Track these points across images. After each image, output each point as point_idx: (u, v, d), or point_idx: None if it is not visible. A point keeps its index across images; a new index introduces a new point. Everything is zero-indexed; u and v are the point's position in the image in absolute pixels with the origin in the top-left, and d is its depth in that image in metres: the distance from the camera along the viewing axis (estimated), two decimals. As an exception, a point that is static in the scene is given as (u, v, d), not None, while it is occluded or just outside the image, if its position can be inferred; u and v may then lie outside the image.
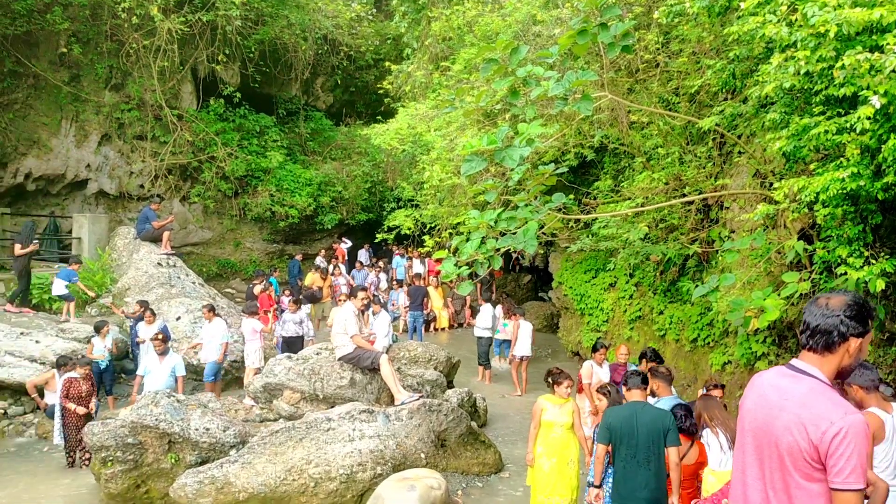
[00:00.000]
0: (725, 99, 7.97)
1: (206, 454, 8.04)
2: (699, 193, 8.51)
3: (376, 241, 20.55)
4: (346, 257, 23.12)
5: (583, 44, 6.44)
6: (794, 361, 2.79)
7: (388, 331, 12.95)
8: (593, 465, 6.07)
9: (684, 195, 8.84)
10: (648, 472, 5.59)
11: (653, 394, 7.38)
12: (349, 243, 23.60)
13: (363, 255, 24.06)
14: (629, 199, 9.46)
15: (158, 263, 16.29)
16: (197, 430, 8.12)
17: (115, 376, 12.23)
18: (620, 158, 11.49)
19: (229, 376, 13.07)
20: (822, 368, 2.69)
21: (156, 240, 17.19)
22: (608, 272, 12.51)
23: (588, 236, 10.75)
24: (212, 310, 12.15)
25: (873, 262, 5.84)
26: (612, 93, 8.53)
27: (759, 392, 2.86)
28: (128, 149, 19.66)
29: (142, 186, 19.91)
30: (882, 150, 5.21)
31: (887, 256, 5.83)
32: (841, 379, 2.76)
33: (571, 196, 9.20)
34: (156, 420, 7.98)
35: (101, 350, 11.60)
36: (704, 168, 8.89)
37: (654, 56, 8.74)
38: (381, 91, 21.33)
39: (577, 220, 10.98)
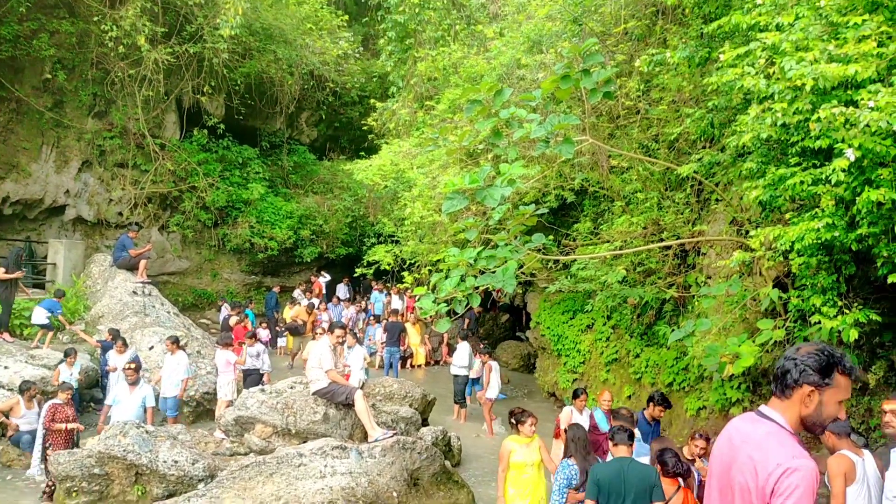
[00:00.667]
0: (704, 147, 8.13)
1: (174, 487, 7.87)
2: (677, 238, 8.61)
3: (355, 275, 20.52)
4: (324, 291, 23.02)
5: (565, 88, 6.56)
6: (762, 407, 2.80)
7: (363, 365, 12.86)
8: None
9: (662, 240, 8.95)
10: None
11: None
12: (328, 277, 23.53)
13: (342, 289, 23.98)
14: (608, 241, 9.56)
15: (134, 292, 16.11)
16: (165, 462, 7.96)
17: (82, 405, 11.98)
18: (600, 201, 11.64)
19: (201, 408, 12.86)
20: (785, 414, 2.68)
21: (132, 268, 17.01)
22: (586, 314, 12.56)
23: (567, 277, 10.82)
24: (176, 342, 11.93)
25: (846, 311, 5.92)
26: (593, 137, 8.66)
27: (726, 436, 2.88)
28: (108, 176, 19.55)
29: (120, 214, 19.76)
30: (856, 201, 5.33)
31: (860, 307, 5.92)
32: (811, 432, 2.74)
33: (551, 237, 9.30)
34: (123, 451, 7.81)
35: (66, 377, 11.38)
36: (682, 214, 9.03)
37: (634, 103, 8.91)
38: (365, 127, 21.51)
39: (557, 261, 11.06)
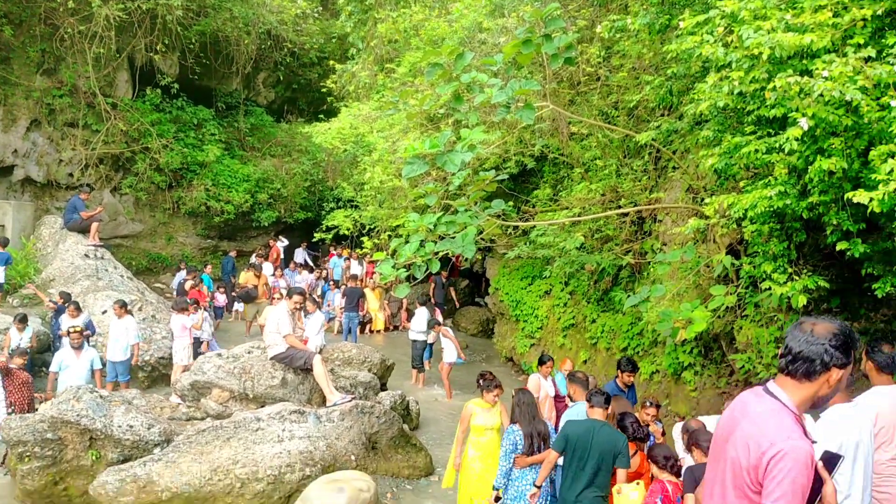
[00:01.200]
0: (662, 115, 8.18)
1: (129, 452, 7.80)
2: (634, 206, 8.70)
3: (314, 240, 20.36)
4: (282, 256, 22.81)
5: (527, 53, 6.53)
6: (769, 383, 2.74)
7: (321, 331, 12.83)
8: (541, 466, 6.30)
9: (620, 207, 9.03)
10: (593, 485, 5.90)
11: (570, 398, 7.57)
12: (286, 242, 23.29)
13: (300, 254, 23.78)
14: (567, 208, 9.61)
15: (85, 255, 15.75)
16: (120, 426, 7.88)
17: (34, 370, 11.74)
18: (560, 168, 11.67)
19: (156, 373, 12.72)
20: (794, 394, 2.63)
21: (84, 230, 16.62)
22: (544, 280, 12.67)
23: (526, 244, 10.87)
24: (123, 306, 11.72)
25: (796, 278, 6.06)
26: (553, 103, 8.66)
27: (730, 407, 2.86)
28: (58, 136, 18.95)
29: (71, 175, 19.22)
30: (808, 170, 5.42)
31: (809, 274, 6.07)
32: (815, 408, 2.71)
33: (511, 203, 9.31)
34: (77, 416, 7.70)
35: (17, 342, 11.14)
36: (640, 181, 9.11)
37: (595, 69, 8.91)
38: (324, 89, 21.14)
39: (516, 227, 11.10)
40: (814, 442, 2.61)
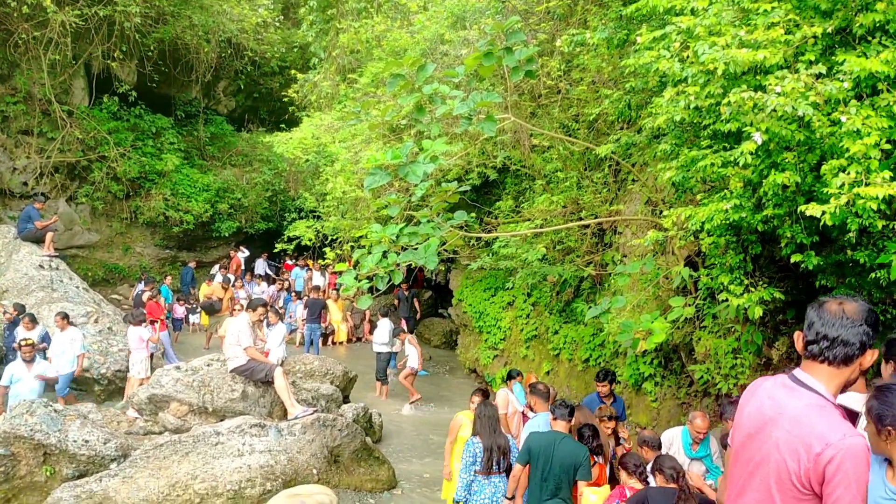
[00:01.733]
0: (622, 128, 8.30)
1: (85, 467, 7.62)
2: (595, 218, 8.79)
3: (275, 251, 20.17)
4: (243, 267, 22.56)
5: (488, 66, 6.58)
6: (796, 372, 2.54)
7: (283, 343, 12.70)
8: (510, 480, 6.34)
9: (581, 219, 9.12)
10: (557, 497, 5.96)
11: (531, 409, 7.61)
12: (247, 252, 23.04)
13: (260, 265, 23.54)
14: (529, 220, 9.68)
15: (40, 266, 15.38)
16: (75, 441, 7.69)
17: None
18: (522, 180, 11.77)
19: (113, 386, 12.46)
20: (830, 383, 2.45)
21: (38, 241, 16.23)
22: (507, 291, 12.73)
23: (488, 255, 10.91)
24: (65, 318, 11.40)
25: (752, 290, 6.17)
26: (515, 115, 8.71)
27: (756, 403, 2.62)
28: (11, 143, 18.51)
29: (25, 184, 18.77)
30: (763, 184, 5.53)
31: (766, 285, 6.19)
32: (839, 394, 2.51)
33: (473, 214, 9.34)
34: (31, 430, 7.50)
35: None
36: (600, 193, 9.22)
37: (556, 83, 9.01)
38: (285, 99, 21.02)
39: (479, 239, 11.14)
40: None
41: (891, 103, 4.88)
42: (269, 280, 22.36)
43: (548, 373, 11.31)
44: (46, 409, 7.89)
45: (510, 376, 9.18)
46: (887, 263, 5.18)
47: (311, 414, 8.81)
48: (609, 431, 7.05)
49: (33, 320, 11.43)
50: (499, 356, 13.18)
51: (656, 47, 6.09)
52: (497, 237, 9.86)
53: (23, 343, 10.08)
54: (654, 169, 7.15)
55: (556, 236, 9.58)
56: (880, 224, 5.11)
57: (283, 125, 21.44)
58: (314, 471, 8.09)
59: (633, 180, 8.64)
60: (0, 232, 16.76)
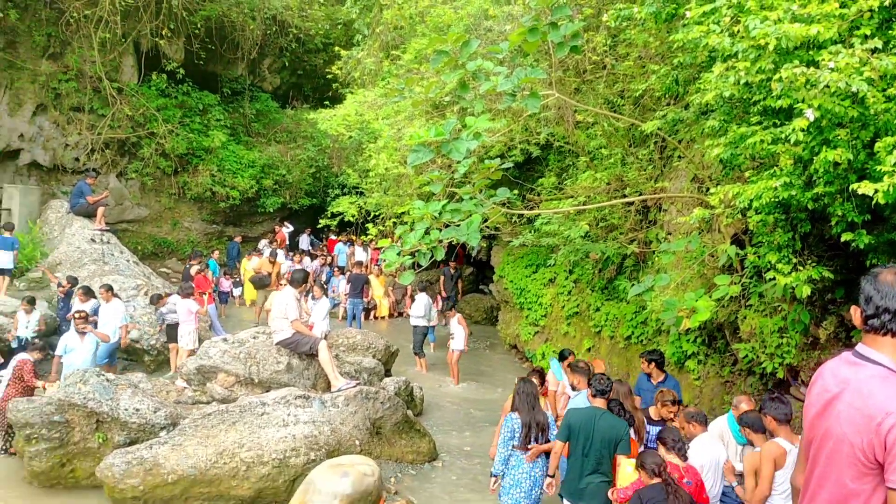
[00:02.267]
0: (668, 104, 8.16)
1: (136, 435, 7.88)
2: (639, 195, 8.70)
3: (318, 226, 20.39)
4: (287, 242, 22.89)
5: (533, 41, 6.52)
6: (859, 347, 2.50)
7: (327, 317, 12.90)
8: (551, 457, 6.42)
9: (625, 196, 9.03)
10: (598, 472, 6.00)
11: (573, 387, 7.61)
12: (291, 228, 23.36)
13: (304, 240, 23.85)
14: (572, 197, 9.62)
15: (91, 239, 15.83)
16: (126, 410, 7.95)
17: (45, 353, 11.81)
18: (565, 157, 11.68)
19: (162, 357, 12.81)
20: (895, 354, 2.39)
21: (90, 215, 16.70)
22: (548, 268, 12.69)
23: (530, 232, 10.88)
24: (109, 290, 11.66)
25: (801, 268, 6.07)
26: (559, 92, 8.64)
27: (820, 383, 2.59)
28: (64, 120, 18.98)
29: (77, 160, 19.26)
30: (814, 161, 5.42)
31: (814, 264, 6.08)
32: None
33: (516, 191, 9.33)
34: (84, 398, 7.78)
35: (24, 324, 11.21)
36: (645, 170, 9.11)
37: (601, 58, 8.89)
38: (329, 76, 21.12)
39: (521, 216, 11.11)
40: None
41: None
42: (312, 256, 22.65)
43: (589, 350, 11.29)
44: (99, 377, 8.17)
45: (562, 356, 9.05)
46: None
47: (354, 387, 8.97)
48: (671, 416, 6.96)
49: (88, 293, 11.75)
50: (539, 332, 13.18)
51: (706, 22, 5.97)
52: (539, 214, 9.82)
53: (76, 315, 10.41)
54: (701, 146, 7.04)
55: (598, 213, 9.51)
56: (935, 203, 4.99)
57: (326, 102, 21.56)
58: (357, 442, 8.24)
59: (680, 157, 8.51)
60: (53, 206, 17.27)
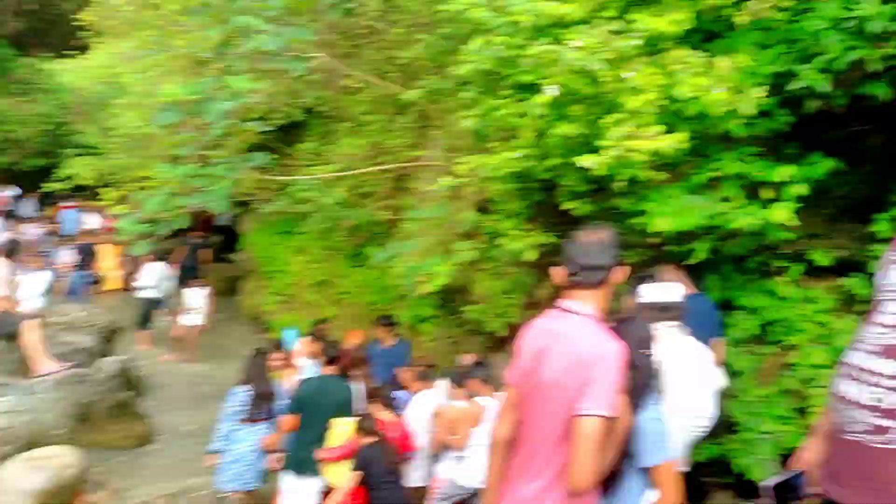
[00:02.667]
0: (435, 74, 8.44)
1: None
2: (397, 163, 8.95)
3: (45, 190, 18.37)
4: (10, 206, 20.37)
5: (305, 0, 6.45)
6: (563, 303, 2.84)
7: (45, 292, 11.54)
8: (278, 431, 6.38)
9: (383, 164, 9.22)
10: (322, 440, 5.96)
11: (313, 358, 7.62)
12: (17, 190, 20.81)
13: (27, 205, 21.36)
14: (332, 163, 9.64)
15: None
16: None
17: None
18: (328, 122, 11.65)
19: None
20: (595, 304, 2.79)
21: None
22: (299, 235, 12.49)
23: (284, 199, 10.67)
24: None
25: (529, 234, 6.62)
26: (329, 55, 8.63)
27: (531, 337, 2.90)
28: None
29: None
30: (550, 135, 5.91)
31: (543, 230, 6.67)
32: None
33: (274, 156, 9.12)
34: None
35: None
36: (405, 138, 9.37)
37: (373, 23, 9.00)
38: (79, 22, 19.14)
39: (276, 182, 10.90)
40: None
41: (670, 62, 5.38)
42: (34, 221, 20.31)
43: (332, 318, 11.36)
44: None
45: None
46: (646, 211, 5.74)
47: (65, 370, 8.10)
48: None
49: None
50: (284, 302, 12.95)
51: (471, -7, 6.28)
52: (296, 180, 9.73)
53: None
54: (456, 116, 7.39)
55: (356, 180, 9.61)
56: (646, 175, 5.68)
57: (75, 51, 19.55)
58: (62, 431, 7.45)
59: (438, 127, 8.87)
60: None
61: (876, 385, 2.01)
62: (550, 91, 5.68)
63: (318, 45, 8.56)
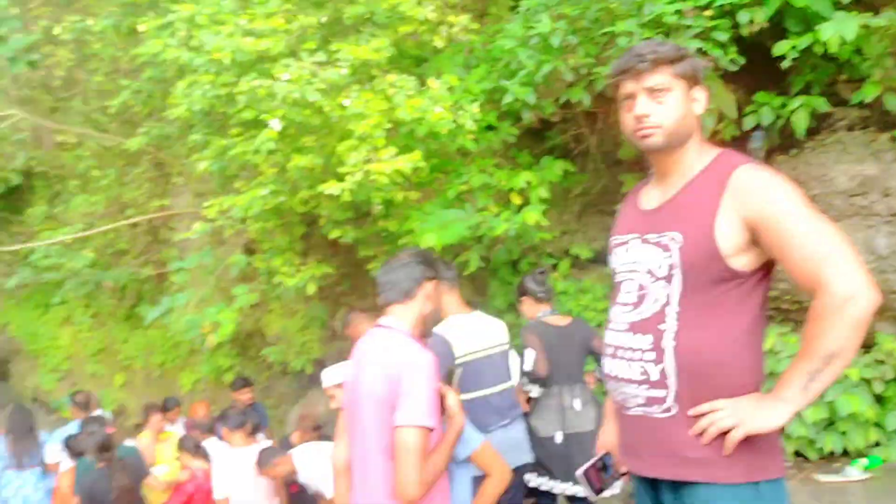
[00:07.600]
0: (156, 119, 7.87)
1: None
2: (143, 215, 8.33)
3: None
4: None
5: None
6: (381, 319, 2.82)
7: None
8: None
9: (128, 217, 8.57)
10: None
11: None
12: None
13: None
14: (69, 225, 8.80)
15: None
16: None
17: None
18: (53, 182, 10.58)
19: None
20: (404, 317, 2.79)
21: None
22: (60, 305, 11.35)
23: (26, 269, 9.59)
24: None
25: (302, 268, 6.39)
26: (32, 112, 7.74)
27: (354, 361, 2.85)
28: None
29: None
30: (289, 169, 5.67)
31: (318, 263, 6.44)
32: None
33: (-2, 226, 8.09)
34: None
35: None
36: (144, 189, 8.74)
37: (69, 73, 8.15)
38: None
39: (13, 252, 9.79)
40: None
41: (385, 87, 5.31)
42: None
43: (122, 386, 10.55)
44: None
45: (166, 407, 7.21)
46: (412, 231, 5.71)
47: None
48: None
49: None
50: (64, 378, 11.76)
51: (163, 35, 5.80)
52: (33, 248, 8.76)
53: None
54: (191, 159, 6.92)
55: (104, 239, 8.83)
56: (400, 195, 5.64)
57: None
58: None
59: (179, 173, 8.33)
60: None
61: (640, 360, 2.08)
62: (274, 125, 5.50)
63: (16, 102, 7.60)
